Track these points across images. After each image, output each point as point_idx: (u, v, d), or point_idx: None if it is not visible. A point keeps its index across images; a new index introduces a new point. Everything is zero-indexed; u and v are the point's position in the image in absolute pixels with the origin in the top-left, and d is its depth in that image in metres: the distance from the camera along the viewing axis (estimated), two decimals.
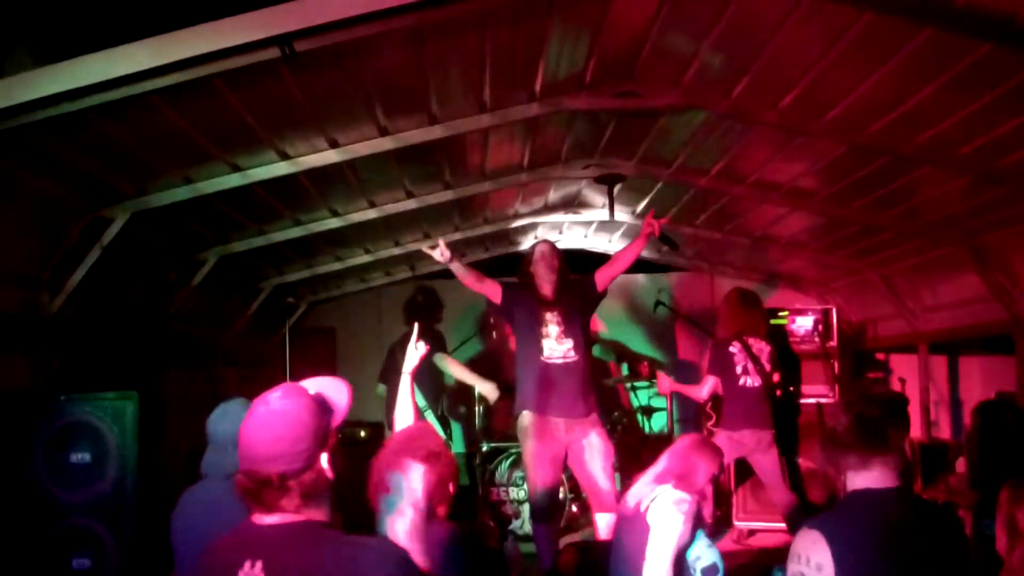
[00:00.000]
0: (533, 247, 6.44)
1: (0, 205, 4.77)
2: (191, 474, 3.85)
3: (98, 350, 5.98)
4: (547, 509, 6.12)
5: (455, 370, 8.02)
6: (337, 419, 2.35)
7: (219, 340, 8.34)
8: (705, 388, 7.01)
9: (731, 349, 6.98)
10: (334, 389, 2.40)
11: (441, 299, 8.31)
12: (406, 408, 4.10)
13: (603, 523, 5.87)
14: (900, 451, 2.82)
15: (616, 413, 8.74)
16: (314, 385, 2.38)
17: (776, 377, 7.14)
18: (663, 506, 4.14)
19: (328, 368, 9.93)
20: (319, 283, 9.71)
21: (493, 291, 6.36)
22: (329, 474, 2.26)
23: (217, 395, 4.05)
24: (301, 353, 8.27)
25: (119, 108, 4.19)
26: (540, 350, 6.16)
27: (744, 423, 6.81)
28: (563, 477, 7.75)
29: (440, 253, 5.86)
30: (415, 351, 4.34)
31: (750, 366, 6.92)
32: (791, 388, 8.09)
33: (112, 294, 6.04)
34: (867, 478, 2.81)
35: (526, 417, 6.15)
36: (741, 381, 6.89)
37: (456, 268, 6.18)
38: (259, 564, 2.13)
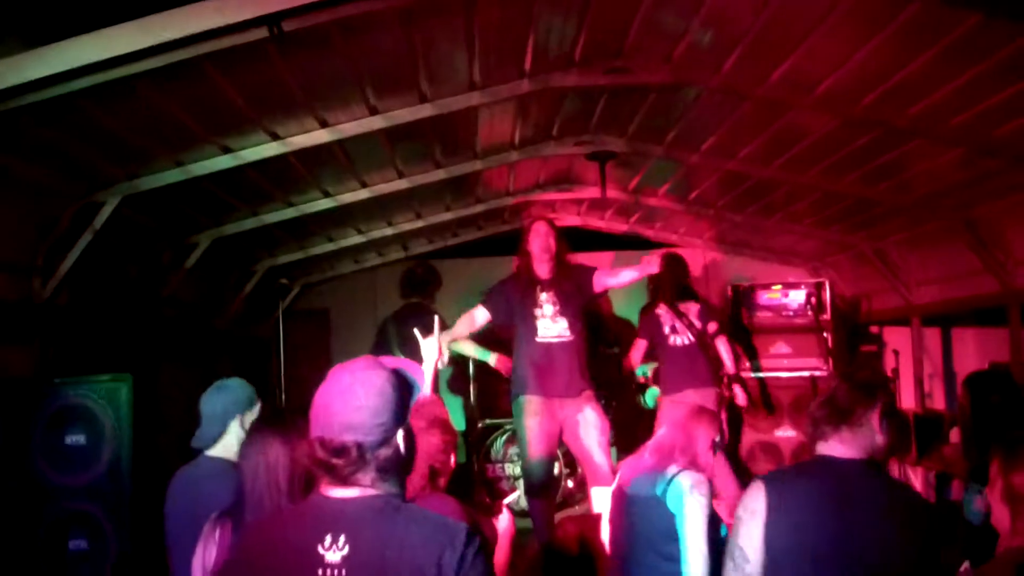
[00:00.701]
0: (530, 224, 6.43)
1: None
2: (186, 455, 3.88)
3: (92, 335, 5.98)
4: (542, 484, 6.15)
5: (464, 347, 7.98)
6: (413, 398, 2.32)
7: (213, 323, 8.33)
8: (635, 353, 7.27)
9: (657, 311, 7.20)
10: (410, 369, 2.37)
11: (440, 276, 8.28)
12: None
13: (599, 497, 5.89)
14: (868, 428, 2.91)
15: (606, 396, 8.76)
16: (390, 363, 2.33)
17: (713, 327, 7.25)
18: (684, 493, 4.14)
19: (323, 350, 9.93)
20: (312, 265, 9.70)
21: (484, 318, 6.41)
22: (403, 451, 2.21)
23: (211, 377, 4.07)
24: (295, 335, 8.26)
25: (107, 91, 4.17)
26: (535, 331, 6.18)
27: (685, 383, 6.90)
28: (559, 453, 7.78)
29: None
30: (432, 344, 4.37)
31: (678, 324, 7.09)
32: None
33: (105, 279, 6.02)
34: (827, 447, 2.96)
35: (521, 397, 6.17)
36: (671, 340, 7.09)
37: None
38: (342, 538, 2.08)
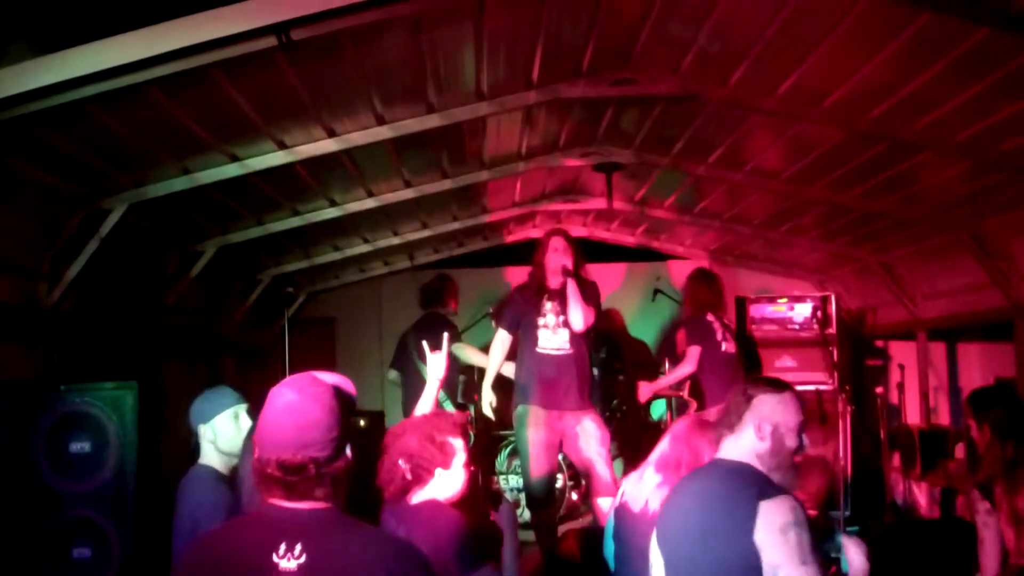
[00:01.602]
0: (548, 236, 6.34)
1: None
2: (189, 464, 3.92)
3: (97, 341, 5.98)
4: (544, 496, 6.13)
5: (474, 357, 7.94)
6: (353, 410, 2.37)
7: (218, 331, 8.33)
8: (691, 361, 7.06)
9: (708, 319, 7.13)
10: (345, 384, 2.39)
11: (456, 286, 8.22)
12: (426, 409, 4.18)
13: (605, 508, 5.86)
14: (748, 432, 2.99)
15: (615, 401, 8.73)
16: (327, 378, 2.36)
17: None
18: None
19: (328, 359, 9.93)
20: (318, 273, 9.71)
21: (508, 338, 6.48)
22: (351, 463, 2.25)
23: (216, 385, 4.10)
24: (300, 344, 8.26)
25: (116, 98, 4.18)
26: (535, 341, 6.16)
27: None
28: (563, 465, 7.76)
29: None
30: (440, 360, 4.39)
31: (727, 334, 7.11)
32: None
33: (111, 285, 6.03)
34: (721, 451, 3.07)
35: (521, 407, 6.16)
36: (723, 347, 7.04)
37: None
38: (298, 547, 2.10)
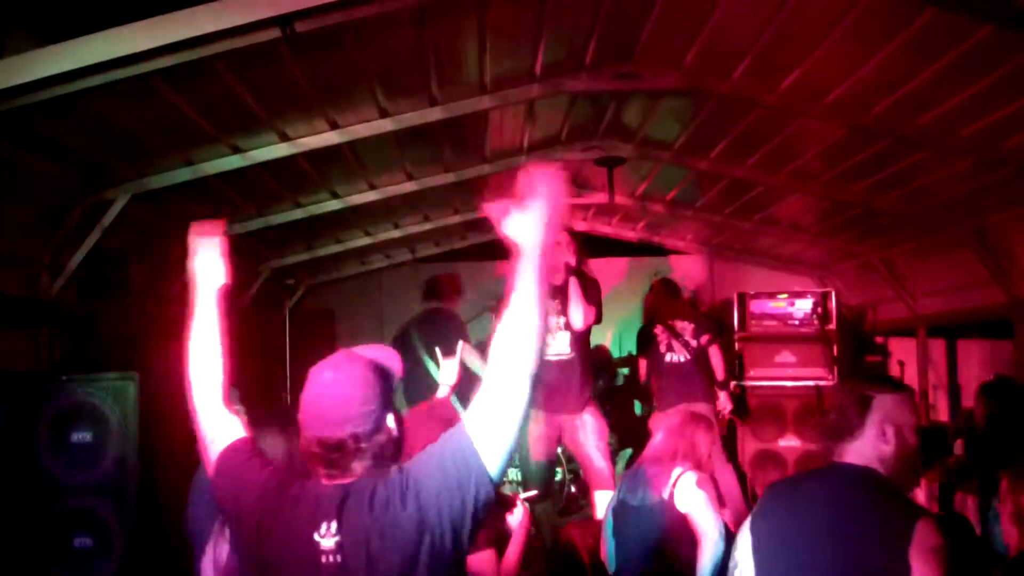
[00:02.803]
0: None
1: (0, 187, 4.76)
2: (191, 454, 3.88)
3: (99, 331, 5.98)
4: (543, 487, 6.14)
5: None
6: (394, 382, 2.37)
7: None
8: (640, 370, 7.65)
9: (654, 331, 7.51)
10: (385, 356, 2.41)
11: (463, 285, 8.18)
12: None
13: (601, 501, 5.87)
14: (870, 437, 2.85)
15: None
16: (365, 352, 2.39)
17: (705, 339, 7.50)
18: (690, 490, 4.18)
19: (327, 350, 9.90)
20: (318, 266, 9.69)
21: None
22: (395, 434, 2.27)
23: None
24: (300, 335, 8.25)
25: (119, 89, 4.17)
26: None
27: (676, 398, 7.18)
28: (562, 458, 7.78)
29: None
30: (452, 367, 4.38)
31: (674, 343, 7.42)
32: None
33: (112, 276, 6.03)
34: (841, 455, 2.90)
35: None
36: (667, 358, 7.39)
37: None
38: (334, 524, 2.13)
